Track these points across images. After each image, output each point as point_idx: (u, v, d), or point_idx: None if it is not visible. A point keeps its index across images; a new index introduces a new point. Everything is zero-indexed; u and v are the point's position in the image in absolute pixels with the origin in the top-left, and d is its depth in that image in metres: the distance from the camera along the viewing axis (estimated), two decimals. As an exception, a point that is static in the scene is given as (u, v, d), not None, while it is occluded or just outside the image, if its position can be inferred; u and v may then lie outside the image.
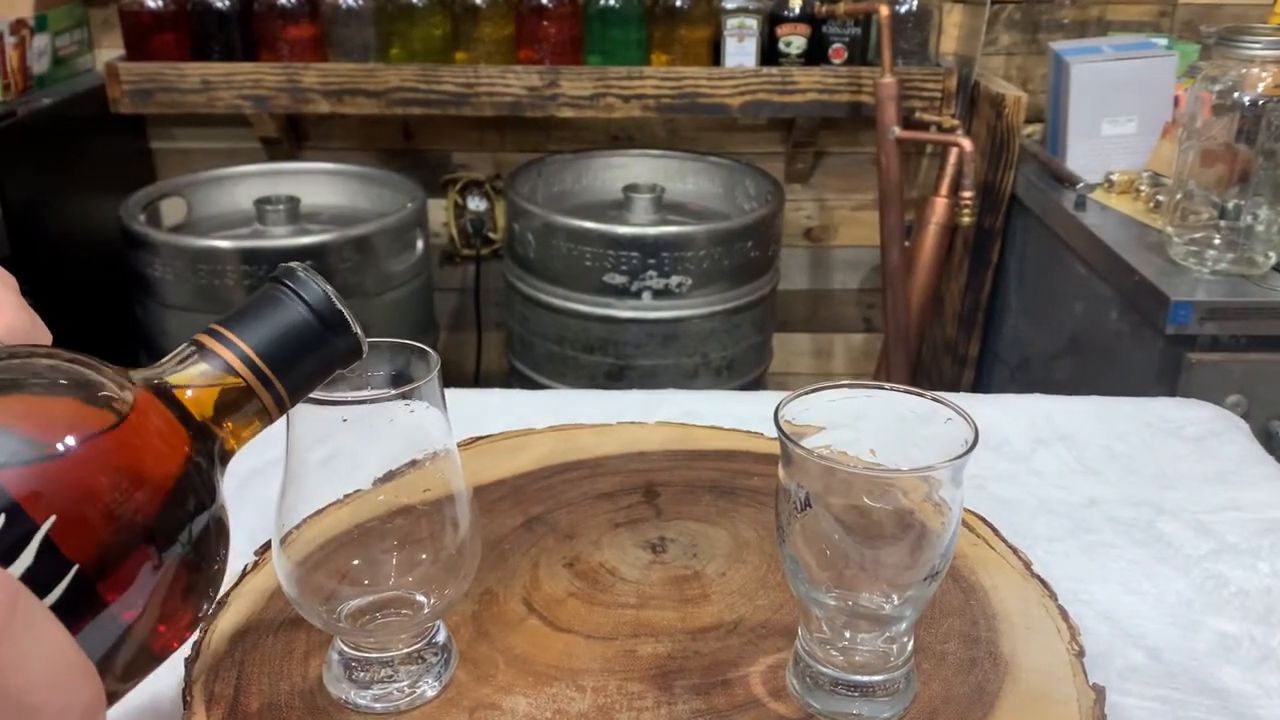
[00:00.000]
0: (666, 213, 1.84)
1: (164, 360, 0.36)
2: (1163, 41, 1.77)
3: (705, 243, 1.68)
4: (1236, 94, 1.32)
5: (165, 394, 0.35)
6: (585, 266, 1.67)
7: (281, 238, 1.70)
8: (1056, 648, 0.51)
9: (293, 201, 1.77)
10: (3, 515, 0.26)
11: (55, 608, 0.27)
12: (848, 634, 0.47)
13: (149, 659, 0.32)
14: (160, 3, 1.77)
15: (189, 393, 0.35)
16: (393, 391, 0.46)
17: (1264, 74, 1.31)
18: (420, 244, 1.77)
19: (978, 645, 0.51)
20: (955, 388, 1.96)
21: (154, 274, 1.61)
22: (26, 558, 0.26)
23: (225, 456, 0.37)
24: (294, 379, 0.37)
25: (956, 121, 1.81)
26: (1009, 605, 0.54)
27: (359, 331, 0.38)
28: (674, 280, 1.67)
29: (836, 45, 1.83)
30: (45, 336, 0.53)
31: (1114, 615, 0.56)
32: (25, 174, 1.62)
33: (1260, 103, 1.31)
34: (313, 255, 1.61)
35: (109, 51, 1.90)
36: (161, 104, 1.80)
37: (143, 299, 1.66)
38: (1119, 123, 1.66)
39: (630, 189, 1.85)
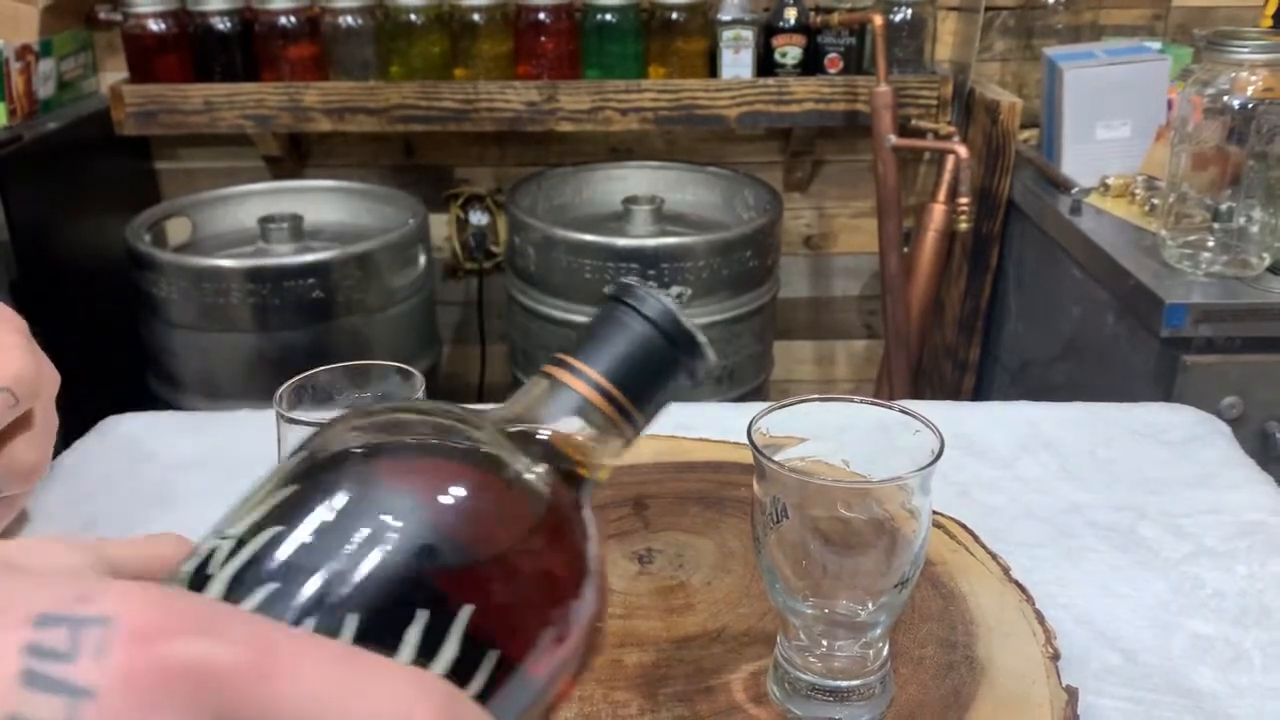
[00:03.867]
0: (666, 224, 1.86)
1: (521, 399, 0.34)
2: (1156, 45, 1.78)
3: (704, 253, 1.69)
4: (1227, 97, 1.33)
5: (552, 454, 0.32)
6: (585, 278, 1.69)
7: (285, 255, 1.71)
8: (1031, 651, 0.52)
9: (296, 219, 1.79)
10: (428, 611, 0.25)
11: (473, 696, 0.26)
12: (825, 641, 0.49)
13: None
14: (163, 25, 1.80)
15: (565, 441, 0.33)
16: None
17: (1254, 77, 1.32)
18: (422, 259, 1.79)
19: (954, 650, 0.52)
20: (956, 393, 1.97)
21: (159, 293, 1.64)
22: (450, 649, 0.25)
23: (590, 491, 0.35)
24: (646, 401, 0.34)
25: (952, 128, 1.82)
26: (986, 610, 0.55)
27: (704, 342, 0.35)
28: (674, 291, 1.68)
29: (832, 55, 1.85)
30: (53, 379, 0.55)
31: (1092, 618, 0.57)
32: (32, 197, 1.64)
33: (1250, 105, 1.32)
34: (316, 272, 1.62)
35: (113, 74, 1.92)
36: (165, 125, 1.82)
37: (148, 318, 1.68)
38: (1113, 127, 1.67)
39: (630, 201, 1.86)
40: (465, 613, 0.26)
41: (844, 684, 0.48)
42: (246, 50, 1.83)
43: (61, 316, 1.67)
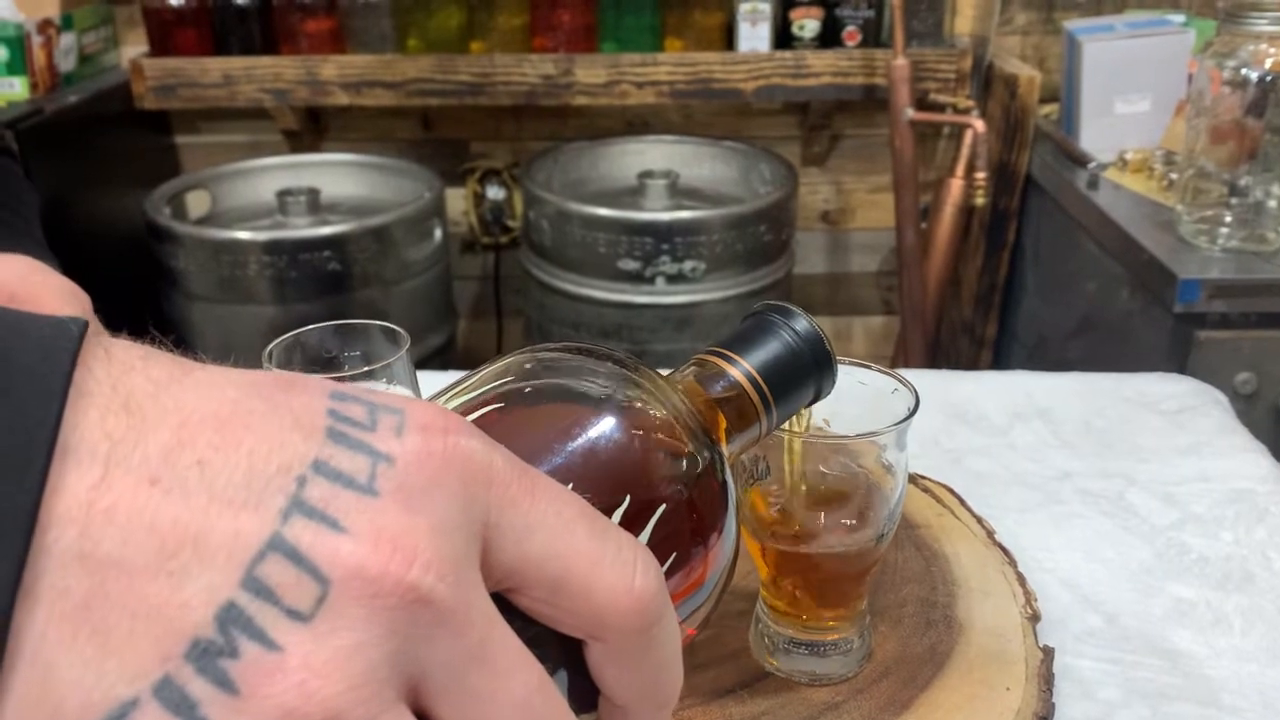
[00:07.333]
0: (682, 198, 1.86)
1: (676, 375, 0.37)
2: (1179, 18, 1.76)
3: (717, 227, 1.69)
4: (1245, 70, 1.32)
5: (701, 424, 0.34)
6: (600, 253, 1.69)
7: (302, 228, 1.73)
8: (1011, 611, 0.52)
9: (313, 193, 1.81)
10: (629, 497, 0.28)
11: None
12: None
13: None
14: (183, -1, 1.81)
15: (713, 416, 0.36)
16: (364, 369, 0.48)
17: (1272, 49, 1.30)
18: (438, 233, 1.80)
19: (934, 609, 0.53)
20: (973, 369, 1.96)
21: (178, 265, 1.66)
22: (644, 536, 0.28)
23: None
24: (782, 401, 0.37)
25: (971, 102, 1.81)
26: (968, 572, 0.55)
27: (836, 368, 0.39)
28: (687, 265, 1.69)
29: (850, 28, 1.83)
30: None
31: (1076, 582, 0.57)
32: (53, 170, 1.66)
33: (1269, 78, 1.30)
34: (332, 245, 1.64)
35: (133, 48, 1.94)
36: (184, 99, 1.84)
37: (167, 290, 1.70)
38: (1132, 101, 1.65)
39: (645, 175, 1.86)
40: (661, 509, 0.29)
41: (820, 639, 0.49)
42: (265, 23, 1.84)
43: (80, 288, 1.69)
